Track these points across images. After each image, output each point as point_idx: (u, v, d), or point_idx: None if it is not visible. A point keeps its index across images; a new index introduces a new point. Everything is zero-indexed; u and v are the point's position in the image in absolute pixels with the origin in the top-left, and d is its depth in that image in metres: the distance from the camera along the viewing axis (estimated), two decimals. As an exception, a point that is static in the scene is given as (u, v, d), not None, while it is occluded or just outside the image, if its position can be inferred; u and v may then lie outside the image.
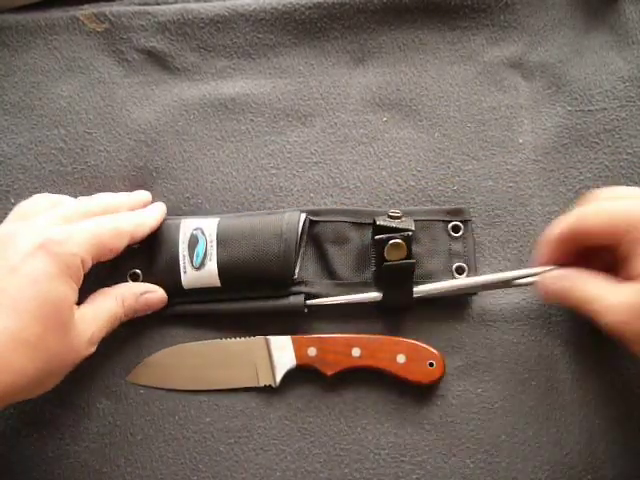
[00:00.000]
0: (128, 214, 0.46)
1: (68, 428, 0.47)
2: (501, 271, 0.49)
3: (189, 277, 0.47)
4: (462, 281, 0.47)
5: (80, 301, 0.42)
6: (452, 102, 0.53)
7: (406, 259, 0.45)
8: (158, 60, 0.55)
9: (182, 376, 0.47)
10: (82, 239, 0.41)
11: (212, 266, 0.47)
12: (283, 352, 0.47)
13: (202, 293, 0.48)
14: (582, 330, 0.47)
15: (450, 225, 0.49)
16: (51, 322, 0.38)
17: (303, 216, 0.48)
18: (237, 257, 0.46)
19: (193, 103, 0.54)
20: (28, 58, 0.55)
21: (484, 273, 0.49)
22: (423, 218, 0.49)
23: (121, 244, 0.44)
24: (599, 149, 0.51)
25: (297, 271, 0.47)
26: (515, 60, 0.54)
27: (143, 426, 0.47)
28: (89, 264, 0.42)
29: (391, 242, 0.45)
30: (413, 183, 0.51)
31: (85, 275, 0.42)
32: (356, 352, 0.46)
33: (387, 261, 0.45)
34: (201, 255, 0.47)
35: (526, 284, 0.46)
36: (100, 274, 0.46)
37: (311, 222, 0.49)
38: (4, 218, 0.51)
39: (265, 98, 0.54)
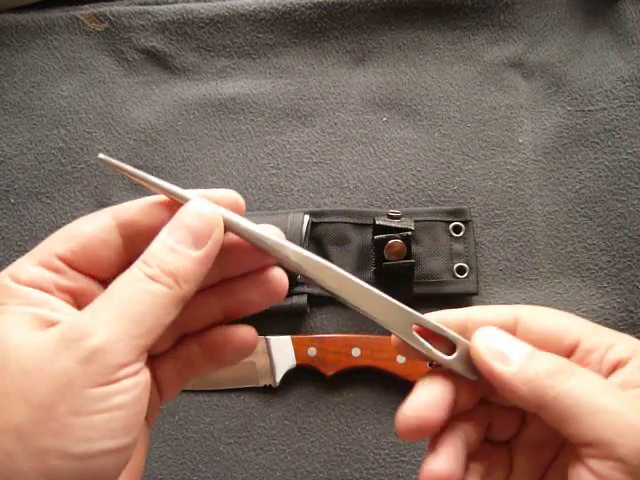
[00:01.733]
0: None
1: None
2: (501, 271, 0.49)
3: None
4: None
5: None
6: (452, 102, 0.53)
7: (406, 259, 0.45)
8: (158, 60, 0.55)
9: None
10: None
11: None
12: (283, 352, 0.47)
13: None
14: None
15: (451, 225, 0.49)
16: None
17: (307, 217, 0.48)
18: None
19: (193, 103, 0.54)
20: (28, 58, 0.55)
21: (484, 273, 0.49)
22: (424, 218, 0.49)
23: None
24: (599, 149, 0.51)
25: (300, 272, 0.48)
26: (515, 60, 0.54)
27: (143, 426, 0.47)
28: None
29: (390, 242, 0.45)
30: (413, 183, 0.51)
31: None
32: (356, 352, 0.46)
33: (387, 261, 0.45)
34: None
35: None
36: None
37: (313, 223, 0.49)
38: (4, 218, 0.51)
39: (265, 98, 0.54)
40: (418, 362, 0.45)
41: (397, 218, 0.46)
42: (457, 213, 0.50)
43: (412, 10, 0.54)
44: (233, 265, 0.28)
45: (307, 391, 0.47)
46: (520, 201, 0.50)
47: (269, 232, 0.27)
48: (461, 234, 0.49)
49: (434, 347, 0.27)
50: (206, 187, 0.51)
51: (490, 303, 0.48)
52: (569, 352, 0.26)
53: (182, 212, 0.26)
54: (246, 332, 0.29)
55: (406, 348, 0.28)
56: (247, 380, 0.47)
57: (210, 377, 0.47)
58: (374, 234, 0.46)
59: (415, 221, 0.47)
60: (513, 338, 0.26)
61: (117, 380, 0.23)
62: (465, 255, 0.49)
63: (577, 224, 0.49)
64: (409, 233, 0.45)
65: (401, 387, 0.47)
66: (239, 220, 0.27)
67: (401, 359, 0.46)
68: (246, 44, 0.55)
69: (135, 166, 0.55)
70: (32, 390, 0.23)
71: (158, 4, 0.56)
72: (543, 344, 0.26)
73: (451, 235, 0.49)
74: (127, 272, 0.25)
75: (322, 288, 0.27)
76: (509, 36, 0.54)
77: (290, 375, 0.47)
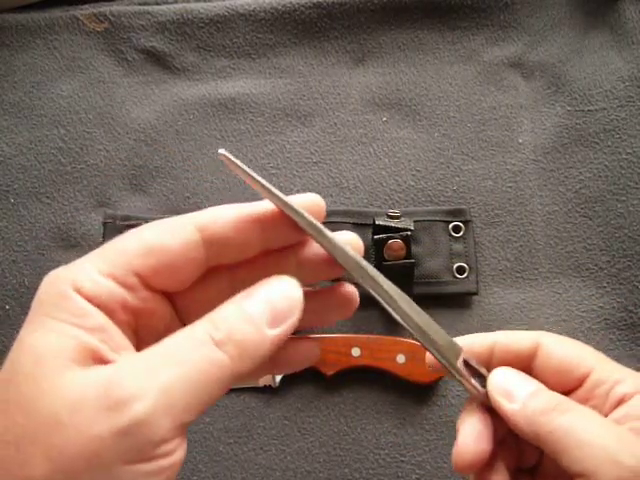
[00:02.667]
0: None
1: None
2: (501, 271, 0.49)
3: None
4: None
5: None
6: (452, 102, 0.53)
7: (406, 259, 0.45)
8: (158, 60, 0.55)
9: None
10: None
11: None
12: (283, 352, 0.47)
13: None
14: (581, 328, 0.47)
15: (451, 225, 0.49)
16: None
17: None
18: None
19: (193, 103, 0.54)
20: (28, 58, 0.55)
21: (484, 273, 0.49)
22: (424, 218, 0.49)
23: None
24: (599, 149, 0.51)
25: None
26: (515, 60, 0.54)
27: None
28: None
29: (390, 242, 0.45)
30: (413, 183, 0.51)
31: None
32: (356, 352, 0.46)
33: (387, 261, 0.45)
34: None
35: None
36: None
37: (311, 223, 0.49)
38: (4, 218, 0.51)
39: (265, 98, 0.54)
40: (418, 363, 0.46)
41: (397, 218, 0.46)
42: (457, 213, 0.50)
43: (412, 10, 0.54)
44: (308, 272, 0.28)
45: (307, 391, 0.47)
46: (520, 201, 0.50)
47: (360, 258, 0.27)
48: (461, 234, 0.49)
49: (472, 379, 0.29)
50: (205, 187, 0.51)
51: (490, 303, 0.48)
52: (580, 382, 0.28)
53: (267, 287, 0.24)
54: (312, 347, 0.30)
55: (441, 369, 0.29)
56: (247, 380, 0.47)
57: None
58: (374, 234, 0.46)
59: (415, 221, 0.47)
60: (522, 377, 0.28)
61: (152, 459, 0.21)
62: (465, 255, 0.49)
63: (577, 224, 0.49)
64: (409, 233, 0.45)
65: (401, 387, 0.47)
66: (347, 249, 0.26)
67: (401, 359, 0.46)
68: (246, 44, 0.55)
69: (135, 166, 0.55)
70: (59, 449, 0.20)
71: (158, 4, 0.56)
72: (558, 372, 0.28)
73: (451, 235, 0.49)
74: (189, 329, 0.22)
75: (394, 317, 0.29)
76: (509, 36, 0.54)
77: (290, 375, 0.47)
